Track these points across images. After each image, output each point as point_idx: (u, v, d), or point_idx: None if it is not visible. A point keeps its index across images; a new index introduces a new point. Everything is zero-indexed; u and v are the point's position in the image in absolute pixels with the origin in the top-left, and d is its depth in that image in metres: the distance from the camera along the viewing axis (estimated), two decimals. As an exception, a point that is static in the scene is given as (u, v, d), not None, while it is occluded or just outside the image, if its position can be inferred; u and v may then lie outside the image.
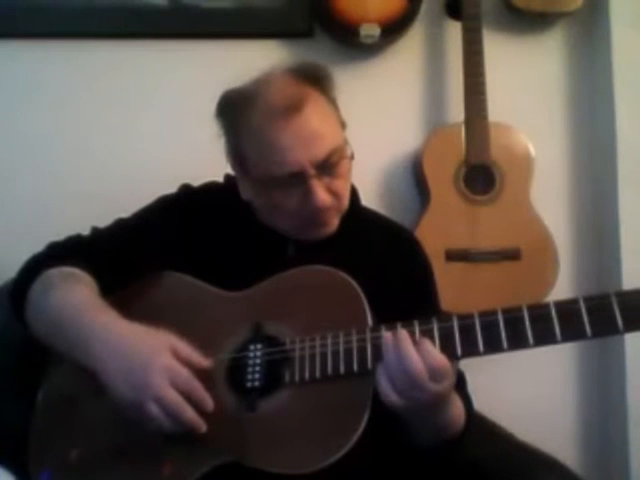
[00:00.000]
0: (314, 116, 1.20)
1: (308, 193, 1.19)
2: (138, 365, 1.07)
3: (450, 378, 1.05)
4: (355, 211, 1.32)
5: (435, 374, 1.02)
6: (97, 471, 1.14)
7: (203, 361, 1.12)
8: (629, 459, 1.86)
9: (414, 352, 1.02)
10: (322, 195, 1.19)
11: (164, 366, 1.07)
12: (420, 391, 1.02)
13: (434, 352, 1.02)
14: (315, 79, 1.25)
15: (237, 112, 1.24)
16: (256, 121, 1.20)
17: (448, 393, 1.09)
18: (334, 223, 1.27)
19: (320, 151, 1.19)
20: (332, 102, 1.26)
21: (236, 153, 1.26)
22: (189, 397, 1.07)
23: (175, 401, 1.06)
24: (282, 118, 1.17)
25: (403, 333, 1.05)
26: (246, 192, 1.29)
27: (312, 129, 1.19)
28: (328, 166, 1.20)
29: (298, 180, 1.19)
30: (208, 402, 1.09)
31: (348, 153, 1.23)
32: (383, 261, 1.30)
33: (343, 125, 1.28)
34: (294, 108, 1.18)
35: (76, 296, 1.18)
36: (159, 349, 1.10)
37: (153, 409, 1.05)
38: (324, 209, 1.21)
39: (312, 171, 1.18)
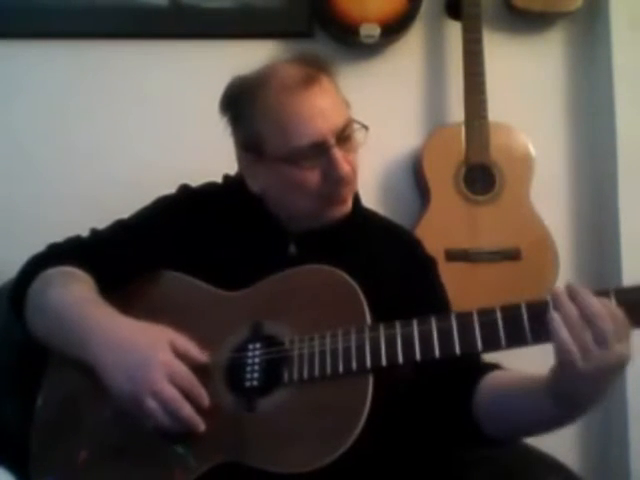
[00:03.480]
0: (328, 90, 1.23)
1: (331, 163, 1.20)
2: (136, 360, 1.08)
3: (630, 341, 0.96)
4: (356, 211, 1.32)
5: (619, 326, 0.94)
6: (100, 472, 1.13)
7: (200, 355, 1.12)
8: (629, 459, 1.86)
9: (596, 300, 0.96)
10: (345, 164, 1.21)
11: (162, 362, 1.08)
12: (605, 349, 0.93)
13: (613, 304, 0.96)
14: (318, 64, 1.27)
15: (250, 95, 1.24)
16: (274, 97, 1.22)
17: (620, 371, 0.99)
18: (350, 202, 1.28)
19: (339, 120, 1.22)
20: (336, 84, 1.28)
21: (250, 138, 1.26)
22: (187, 394, 1.07)
23: (173, 397, 1.06)
24: (301, 89, 1.20)
25: (576, 286, 0.98)
26: (258, 182, 1.28)
27: (329, 100, 1.22)
28: (344, 137, 1.22)
29: (320, 151, 1.20)
30: (204, 398, 1.09)
31: (356, 128, 1.25)
32: (383, 261, 1.30)
33: (348, 105, 1.29)
34: (311, 80, 1.21)
35: (74, 293, 1.18)
36: (157, 344, 1.10)
37: (151, 404, 1.05)
38: (346, 180, 1.22)
39: (332, 140, 1.20)
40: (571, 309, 0.96)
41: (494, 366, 1.19)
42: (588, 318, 0.94)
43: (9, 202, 1.88)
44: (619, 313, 0.96)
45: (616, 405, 1.91)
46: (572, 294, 0.97)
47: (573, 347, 0.94)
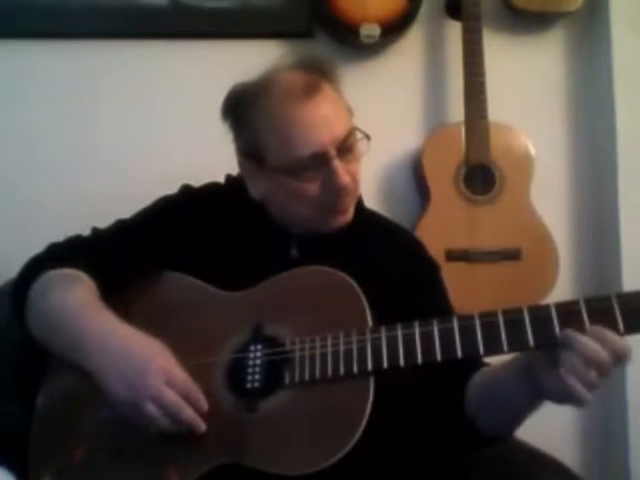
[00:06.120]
0: (330, 98, 1.22)
1: (331, 174, 1.20)
2: (134, 368, 1.07)
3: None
4: (359, 213, 1.32)
5: (620, 357, 0.96)
6: (99, 473, 1.13)
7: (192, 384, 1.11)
8: (629, 459, 1.86)
9: (594, 343, 0.96)
10: (345, 176, 1.20)
11: (160, 368, 1.07)
12: (606, 377, 0.97)
13: (612, 336, 0.96)
14: (321, 70, 1.26)
15: (251, 103, 1.24)
16: (275, 106, 1.21)
17: None
18: (351, 211, 1.27)
19: (340, 130, 1.20)
20: (339, 90, 1.28)
21: (251, 146, 1.26)
22: (185, 399, 1.07)
23: (173, 401, 1.06)
24: (302, 98, 1.19)
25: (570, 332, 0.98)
26: (259, 189, 1.28)
27: (331, 109, 1.21)
28: (345, 148, 1.22)
29: (320, 162, 1.19)
30: (203, 404, 1.08)
31: (358, 137, 1.24)
32: (385, 263, 1.29)
33: (351, 112, 1.28)
34: (313, 89, 1.20)
35: (74, 297, 1.17)
36: (155, 352, 1.10)
37: (151, 409, 1.05)
38: (346, 191, 1.22)
39: (333, 151, 1.19)
40: (573, 359, 0.96)
41: (485, 364, 1.19)
42: (591, 361, 0.95)
43: (10, 201, 1.88)
44: (620, 343, 0.96)
45: (616, 405, 1.91)
46: (567, 340, 0.97)
47: (582, 389, 0.95)
